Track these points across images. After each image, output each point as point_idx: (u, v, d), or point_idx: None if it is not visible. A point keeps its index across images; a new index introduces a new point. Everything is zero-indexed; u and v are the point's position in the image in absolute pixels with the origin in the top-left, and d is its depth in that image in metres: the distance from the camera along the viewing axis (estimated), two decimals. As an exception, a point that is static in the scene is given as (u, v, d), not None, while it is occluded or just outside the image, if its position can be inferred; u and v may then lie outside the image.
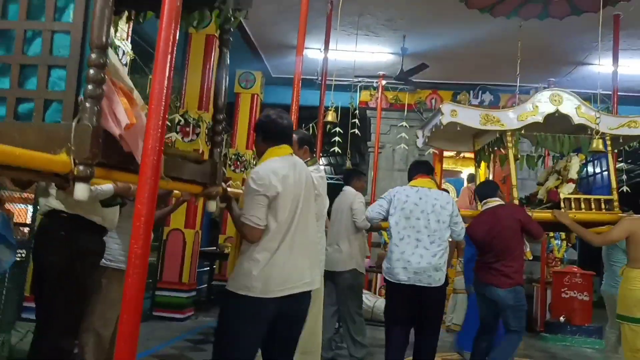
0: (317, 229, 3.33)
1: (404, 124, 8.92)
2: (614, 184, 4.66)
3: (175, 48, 1.80)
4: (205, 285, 8.44)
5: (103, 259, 2.96)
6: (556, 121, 4.73)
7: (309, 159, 3.43)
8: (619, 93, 6.48)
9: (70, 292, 2.65)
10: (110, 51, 1.84)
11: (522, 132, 4.73)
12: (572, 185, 4.69)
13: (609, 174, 4.70)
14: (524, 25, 6.46)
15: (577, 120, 4.62)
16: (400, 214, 3.86)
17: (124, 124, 1.80)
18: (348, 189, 5.12)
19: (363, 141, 9.83)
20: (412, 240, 3.80)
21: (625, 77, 7.48)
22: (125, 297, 1.76)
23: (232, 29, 2.47)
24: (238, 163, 8.82)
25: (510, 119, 4.66)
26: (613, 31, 6.25)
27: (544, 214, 4.51)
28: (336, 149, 8.04)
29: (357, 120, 8.26)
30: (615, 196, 4.62)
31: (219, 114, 2.50)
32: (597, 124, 4.41)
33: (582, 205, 4.59)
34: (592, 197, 4.66)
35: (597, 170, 5.04)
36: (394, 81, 8.65)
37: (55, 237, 2.72)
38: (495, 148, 5.09)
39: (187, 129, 6.51)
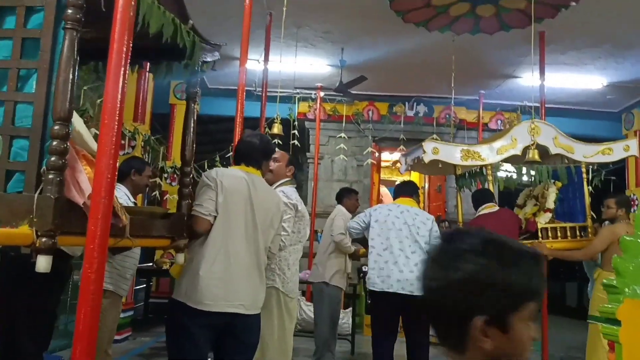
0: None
1: (343, 135, 9.00)
2: (588, 211, 4.88)
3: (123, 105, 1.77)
4: (142, 303, 8.11)
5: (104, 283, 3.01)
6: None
7: (288, 178, 3.45)
8: (545, 106, 6.80)
9: (36, 310, 2.70)
10: (75, 116, 1.82)
11: (502, 164, 4.95)
12: (548, 215, 4.86)
13: (583, 200, 4.90)
14: (457, 40, 6.70)
15: (554, 150, 4.83)
16: (382, 226, 3.97)
17: (87, 192, 1.80)
18: (337, 207, 5.18)
19: (302, 152, 9.83)
20: (395, 249, 3.90)
21: (549, 90, 7.89)
22: (79, 323, 1.65)
23: (197, 82, 2.57)
24: (175, 176, 8.57)
25: (490, 153, 4.81)
26: (539, 47, 6.58)
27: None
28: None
29: (296, 132, 8.28)
30: (589, 223, 4.85)
31: (187, 167, 2.57)
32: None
33: (559, 234, 4.79)
34: (568, 225, 4.86)
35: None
36: (331, 93, 8.74)
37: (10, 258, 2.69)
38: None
39: (123, 142, 6.24)
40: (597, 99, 8.98)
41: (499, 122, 9.61)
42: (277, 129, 5.52)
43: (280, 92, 8.02)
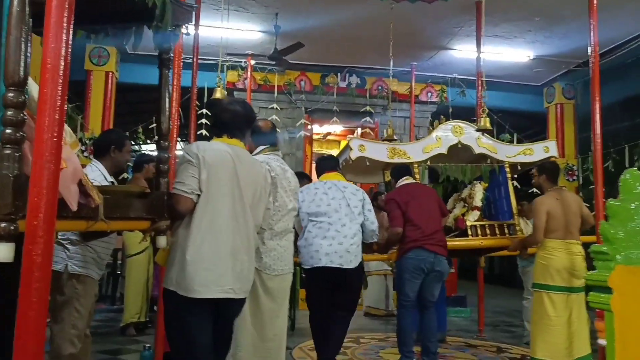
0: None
1: (274, 106, 8.68)
2: (514, 209, 4.97)
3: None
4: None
5: (77, 267, 2.77)
6: (459, 151, 4.98)
7: (266, 145, 3.14)
8: (481, 79, 6.81)
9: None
10: (31, 82, 1.56)
11: (428, 163, 4.94)
12: (477, 213, 4.92)
13: (509, 199, 4.98)
14: (395, 8, 6.54)
15: (477, 150, 4.95)
16: (310, 204, 3.82)
17: None
18: None
19: (231, 124, 9.42)
20: (324, 224, 3.77)
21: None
22: (21, 322, 1.33)
23: (170, 48, 2.35)
24: (93, 149, 7.91)
25: (416, 151, 4.90)
26: (476, 18, 6.57)
27: (457, 242, 4.75)
28: (204, 131, 7.59)
29: (226, 102, 7.85)
30: (516, 220, 4.96)
31: (164, 141, 2.36)
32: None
33: (488, 231, 4.87)
34: (496, 223, 4.95)
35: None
36: (262, 61, 8.37)
37: None
38: None
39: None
40: (523, 72, 9.22)
41: (430, 94, 9.68)
42: (220, 93, 5.14)
43: (209, 59, 7.58)
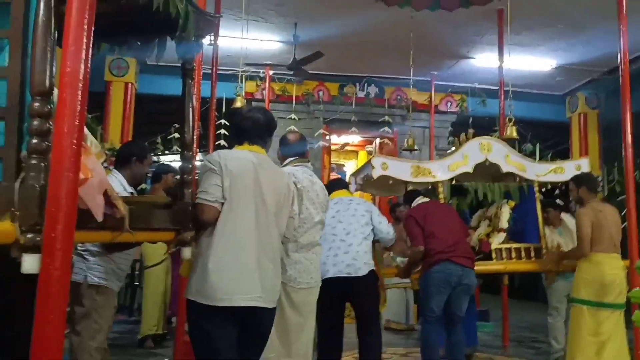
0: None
1: (293, 116, 8.64)
2: (542, 231, 4.78)
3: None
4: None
5: (97, 278, 2.72)
6: (485, 167, 4.81)
7: (295, 157, 3.13)
8: (504, 88, 6.70)
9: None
10: (56, 91, 1.53)
11: (454, 182, 4.80)
12: (502, 235, 4.75)
13: (536, 219, 4.80)
14: (415, 16, 6.47)
15: (506, 168, 4.76)
16: None
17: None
18: None
19: (249, 134, 9.39)
20: (328, 236, 3.72)
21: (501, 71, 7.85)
22: (38, 335, 1.25)
23: (194, 58, 2.37)
24: (112, 159, 7.92)
25: (441, 169, 4.73)
26: (498, 26, 6.47)
27: (481, 267, 4.56)
28: (222, 142, 7.59)
29: (244, 113, 7.83)
30: (543, 243, 4.76)
31: (188, 151, 2.37)
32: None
33: (513, 255, 4.71)
34: (522, 245, 4.77)
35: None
36: (281, 72, 8.35)
37: None
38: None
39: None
40: (545, 81, 9.07)
41: (449, 104, 9.56)
42: (240, 103, 5.12)
43: (228, 69, 7.59)
